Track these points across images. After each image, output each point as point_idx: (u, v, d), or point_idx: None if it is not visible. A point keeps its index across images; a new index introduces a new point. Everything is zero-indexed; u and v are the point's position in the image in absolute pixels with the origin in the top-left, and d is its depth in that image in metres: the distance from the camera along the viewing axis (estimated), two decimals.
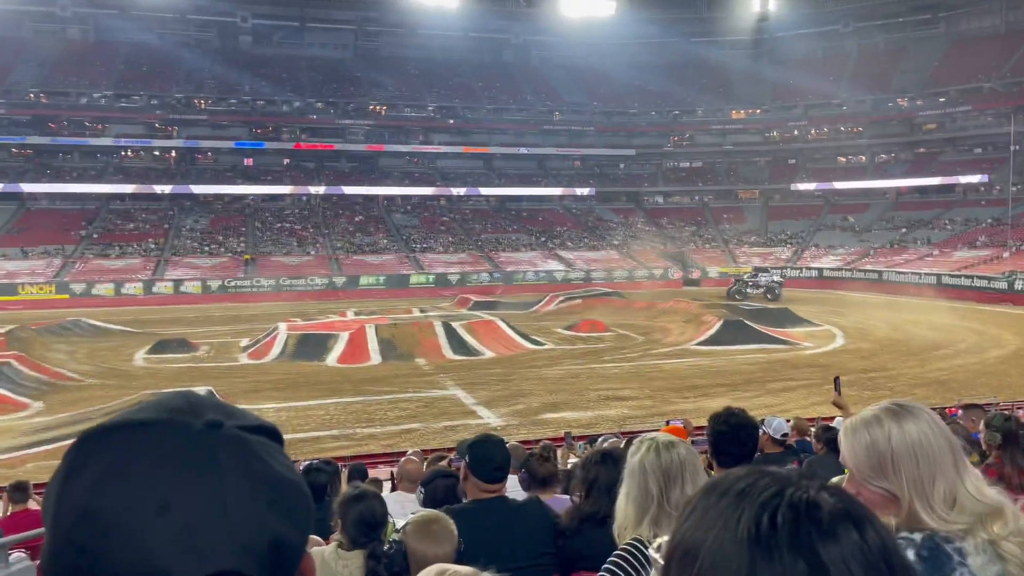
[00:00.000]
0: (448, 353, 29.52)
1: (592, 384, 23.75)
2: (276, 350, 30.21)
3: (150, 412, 0.61)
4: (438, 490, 3.50)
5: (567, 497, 3.86)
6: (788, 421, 6.89)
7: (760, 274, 48.99)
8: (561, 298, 45.70)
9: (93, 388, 24.97)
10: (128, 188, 64.22)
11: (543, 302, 45.27)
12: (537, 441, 8.30)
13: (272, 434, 0.64)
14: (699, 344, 30.74)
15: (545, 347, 31.30)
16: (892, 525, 1.72)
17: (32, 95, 64.47)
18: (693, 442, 4.19)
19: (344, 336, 30.24)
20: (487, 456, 2.86)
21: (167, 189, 64.81)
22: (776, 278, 48.41)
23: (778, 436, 6.27)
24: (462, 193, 72.67)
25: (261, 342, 31.91)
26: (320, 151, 71.00)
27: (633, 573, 2.10)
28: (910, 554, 1.65)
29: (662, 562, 0.75)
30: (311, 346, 29.72)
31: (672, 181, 79.27)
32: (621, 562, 2.14)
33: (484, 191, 73.86)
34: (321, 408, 21.32)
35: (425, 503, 3.49)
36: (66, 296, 49.35)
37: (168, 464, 0.57)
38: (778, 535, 0.68)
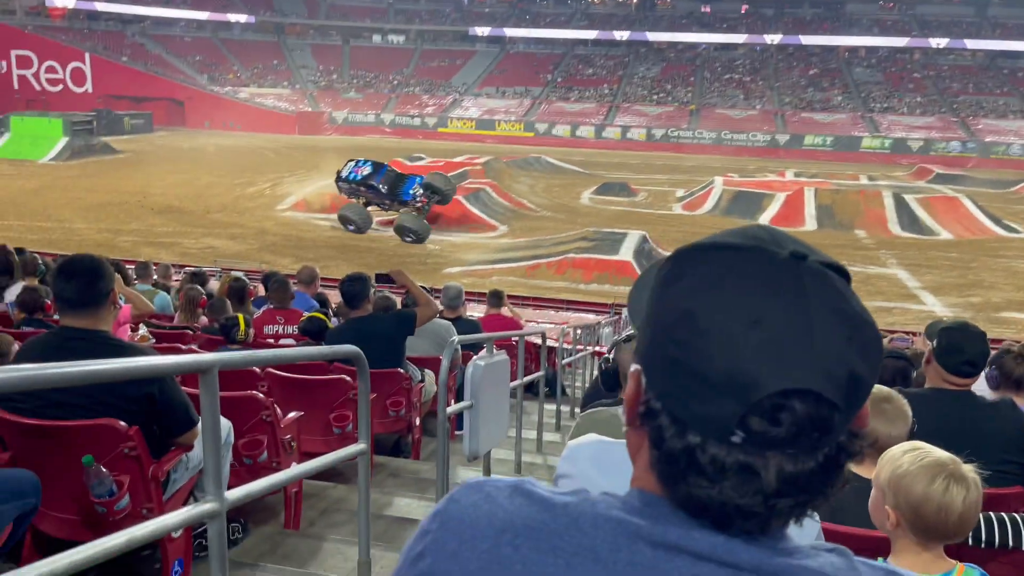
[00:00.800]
0: (895, 228, 26.79)
1: None
2: (709, 204, 30.46)
3: (737, 237, 0.66)
4: (885, 371, 3.27)
5: None
6: None
7: None
8: None
9: (546, 219, 28.09)
10: (591, 34, 67.88)
11: None
12: (999, 341, 7.25)
13: (845, 274, 0.66)
14: None
15: (1021, 235, 26.58)
16: None
17: None
18: None
19: (780, 197, 29.18)
20: (959, 346, 2.56)
21: (625, 35, 66.99)
22: None
23: None
24: (942, 45, 62.29)
25: (696, 194, 32.40)
26: None
27: None
28: None
29: None
30: (745, 204, 29.31)
31: None
32: None
33: (971, 44, 62.23)
34: None
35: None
36: (531, 134, 55.27)
37: (758, 284, 0.62)
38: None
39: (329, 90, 64.41)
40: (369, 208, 24.84)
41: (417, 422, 5.02)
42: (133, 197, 28.86)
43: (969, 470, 1.62)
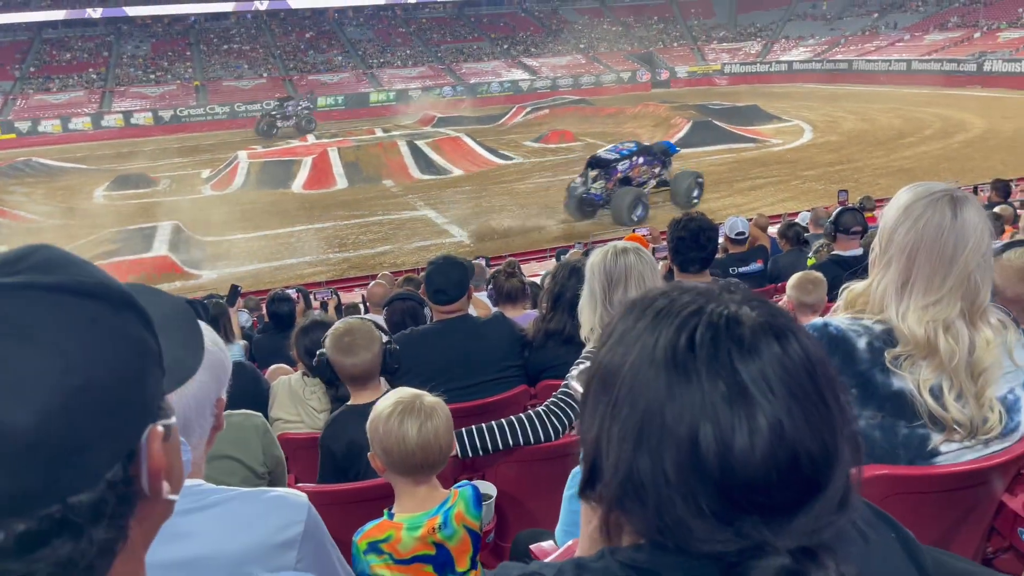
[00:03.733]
0: (415, 173, 29.10)
1: (562, 196, 23.72)
2: (239, 180, 29.58)
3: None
4: (395, 313, 3.49)
5: (535, 312, 3.90)
6: (749, 220, 6.93)
7: (288, 104, 41.64)
8: (528, 109, 44.55)
9: (56, 229, 24.51)
10: (59, 14, 59.69)
11: (509, 114, 44.16)
12: (503, 257, 8.35)
13: (86, 294, 0.55)
14: None
15: (514, 161, 30.91)
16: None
17: None
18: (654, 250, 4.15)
19: (307, 161, 29.56)
20: (430, 280, 2.85)
21: (98, 12, 60.32)
22: (304, 104, 42.03)
23: (734, 235, 6.31)
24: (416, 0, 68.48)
25: (223, 172, 31.17)
26: None
27: (569, 411, 2.16)
28: (862, 343, 1.65)
29: (580, 389, 0.71)
30: (274, 174, 29.10)
31: None
32: (559, 400, 2.18)
33: None
34: (292, 235, 21.24)
35: (387, 326, 3.51)
36: (13, 135, 47.30)
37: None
38: (696, 357, 0.64)
39: None
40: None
41: None
42: None
43: (429, 401, 1.77)
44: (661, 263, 3.81)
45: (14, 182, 32.28)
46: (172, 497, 0.60)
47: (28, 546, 0.49)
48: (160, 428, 0.59)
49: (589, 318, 2.41)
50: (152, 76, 56.37)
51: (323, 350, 2.49)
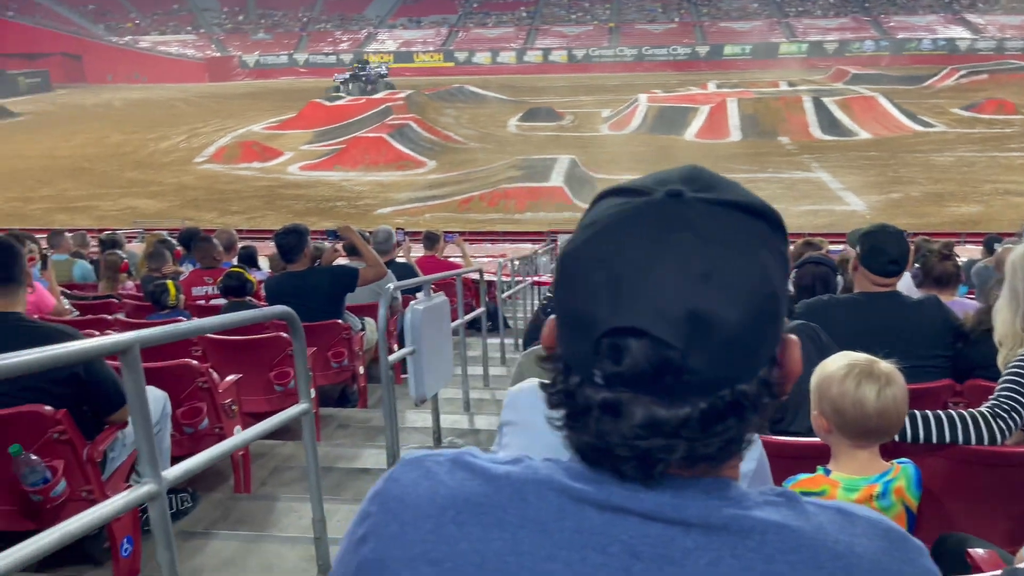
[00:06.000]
0: (816, 132, 27.33)
1: (989, 175, 20.53)
2: (636, 122, 30.49)
3: (636, 182, 0.64)
4: (805, 276, 3.31)
5: (968, 301, 3.46)
6: None
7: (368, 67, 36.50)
8: (962, 72, 38.93)
9: (474, 151, 27.75)
10: None
11: (939, 76, 39.04)
12: (916, 235, 7.52)
13: (751, 210, 0.61)
14: None
15: (936, 129, 27.44)
16: None
17: None
18: None
19: (704, 110, 29.37)
20: (881, 247, 2.61)
21: None
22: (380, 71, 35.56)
23: None
24: None
25: (622, 113, 32.36)
26: None
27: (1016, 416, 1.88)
28: None
29: None
30: (670, 119, 29.44)
31: None
32: (1008, 402, 1.91)
33: None
34: None
35: (794, 289, 3.36)
36: (451, 64, 54.08)
37: (623, 225, 0.60)
38: None
39: (236, 32, 61.54)
40: None
41: (361, 371, 4.97)
42: (40, 161, 27.39)
43: (886, 367, 1.67)
44: None
45: (448, 106, 37.03)
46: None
47: (709, 422, 0.58)
48: (793, 338, 0.66)
49: (1007, 319, 2.20)
50: (573, 16, 59.98)
51: None
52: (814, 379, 1.73)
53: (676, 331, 0.56)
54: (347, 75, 37.02)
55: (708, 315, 0.57)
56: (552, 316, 0.66)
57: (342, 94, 36.42)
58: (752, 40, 53.25)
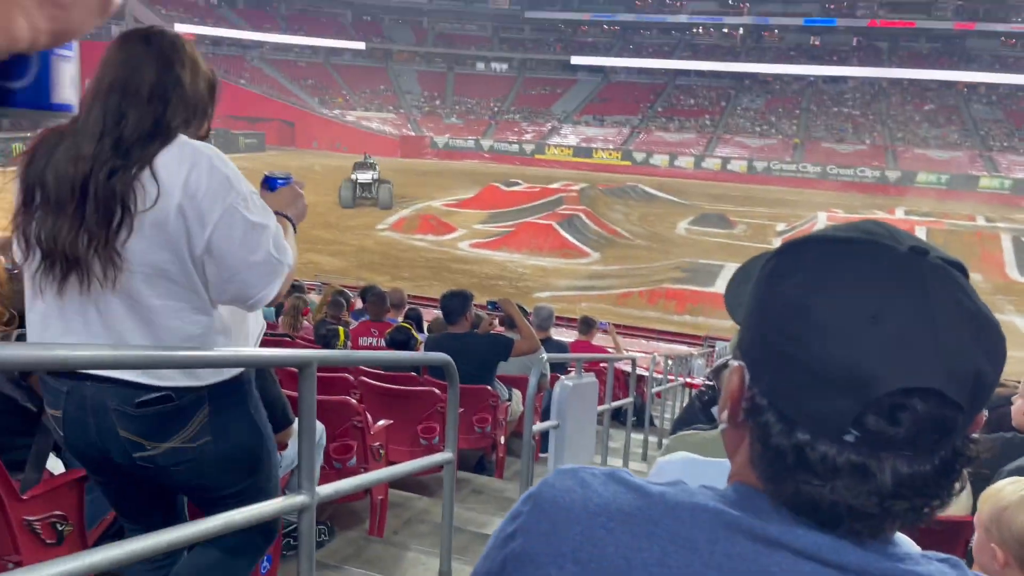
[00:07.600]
0: (1013, 272, 25.27)
1: None
2: None
3: (852, 231, 0.64)
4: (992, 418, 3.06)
5: None
6: None
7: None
8: None
9: (639, 248, 27.84)
10: (695, 64, 67.31)
11: None
12: None
13: (965, 272, 0.63)
14: None
15: None
16: None
17: None
18: None
19: None
20: None
21: (730, 67, 66.13)
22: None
23: None
24: None
25: (798, 229, 31.46)
26: (897, 29, 64.01)
27: None
28: None
29: None
30: None
31: None
32: None
33: None
34: None
35: None
36: (628, 163, 55.05)
37: (877, 278, 0.60)
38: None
39: (432, 115, 66.05)
40: None
41: (502, 440, 5.03)
42: None
43: None
44: None
45: (619, 202, 37.57)
46: None
47: (942, 476, 0.59)
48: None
49: None
50: (758, 128, 59.66)
51: None
52: (987, 509, 1.59)
53: (963, 391, 0.58)
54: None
55: (985, 375, 0.59)
56: (738, 364, 0.66)
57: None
58: (950, 170, 50.53)
